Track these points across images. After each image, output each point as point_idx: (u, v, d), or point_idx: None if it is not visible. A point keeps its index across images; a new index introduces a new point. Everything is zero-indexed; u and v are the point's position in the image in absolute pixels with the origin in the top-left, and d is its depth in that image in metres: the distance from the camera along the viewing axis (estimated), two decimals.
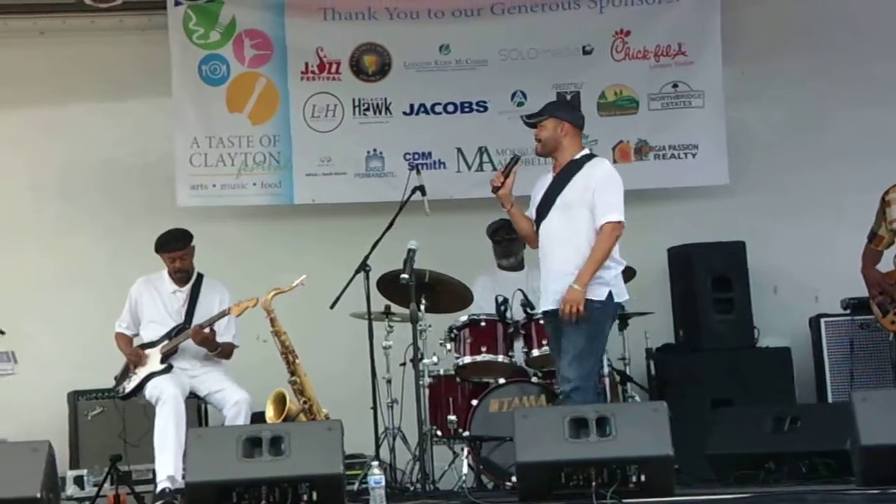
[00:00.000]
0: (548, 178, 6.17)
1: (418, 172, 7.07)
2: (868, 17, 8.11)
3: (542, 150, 6.20)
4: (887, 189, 6.85)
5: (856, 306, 7.32)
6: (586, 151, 6.18)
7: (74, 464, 7.24)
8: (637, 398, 7.12)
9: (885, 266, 6.94)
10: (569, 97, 8.13)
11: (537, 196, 6.16)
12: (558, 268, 6.00)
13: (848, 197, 7.53)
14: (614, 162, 8.07)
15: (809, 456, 6.32)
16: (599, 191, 5.98)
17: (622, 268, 6.10)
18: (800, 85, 8.16)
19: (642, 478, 5.66)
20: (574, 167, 6.06)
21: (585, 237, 5.97)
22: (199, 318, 6.85)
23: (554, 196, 6.06)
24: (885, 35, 8.07)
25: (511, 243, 7.40)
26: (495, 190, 6.14)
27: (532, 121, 6.23)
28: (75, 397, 7.48)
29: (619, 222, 5.95)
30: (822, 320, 7.62)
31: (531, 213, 6.20)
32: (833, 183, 7.96)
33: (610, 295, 5.98)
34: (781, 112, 8.21)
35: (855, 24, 8.12)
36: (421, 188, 6.94)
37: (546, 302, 6.08)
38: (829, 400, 7.48)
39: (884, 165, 6.83)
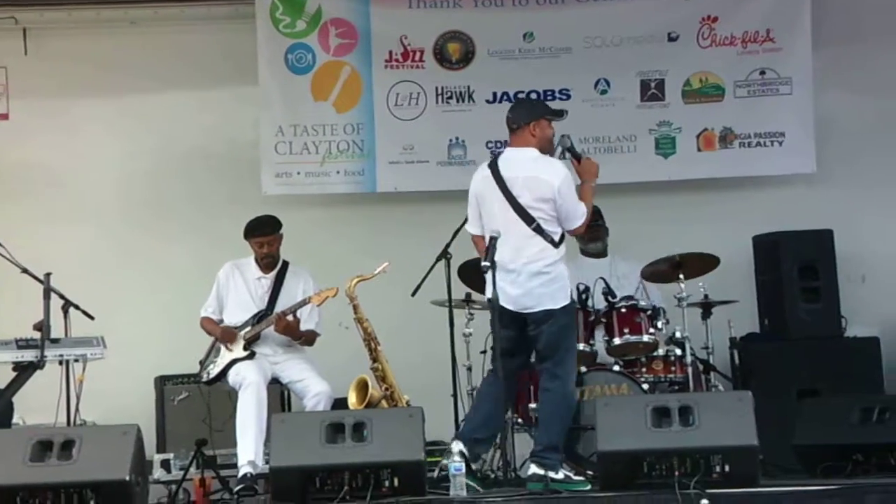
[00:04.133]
0: None
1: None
2: None
3: None
4: None
5: None
6: None
7: (161, 447, 7.35)
8: (720, 388, 7.05)
9: None
10: (653, 84, 8.07)
11: None
12: None
13: None
14: (698, 150, 8.05)
15: None
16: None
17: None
18: (890, 72, 8.01)
19: (726, 468, 5.65)
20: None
21: None
22: (282, 305, 6.92)
23: None
24: None
25: (598, 229, 7.37)
26: None
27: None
28: (162, 382, 7.58)
29: None
30: None
31: None
32: None
33: None
34: (870, 100, 8.07)
35: None
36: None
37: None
38: None
39: None
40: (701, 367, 6.99)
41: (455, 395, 6.81)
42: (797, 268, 7.64)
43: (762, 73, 8.02)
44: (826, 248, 7.65)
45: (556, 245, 6.11)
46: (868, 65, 8.03)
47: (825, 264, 7.64)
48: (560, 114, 6.37)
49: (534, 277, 6.07)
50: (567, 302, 6.14)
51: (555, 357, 6.09)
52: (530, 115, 6.28)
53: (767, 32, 8.01)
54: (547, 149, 6.26)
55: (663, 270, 7.04)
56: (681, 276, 6.76)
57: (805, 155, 7.94)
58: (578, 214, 6.16)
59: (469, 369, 6.95)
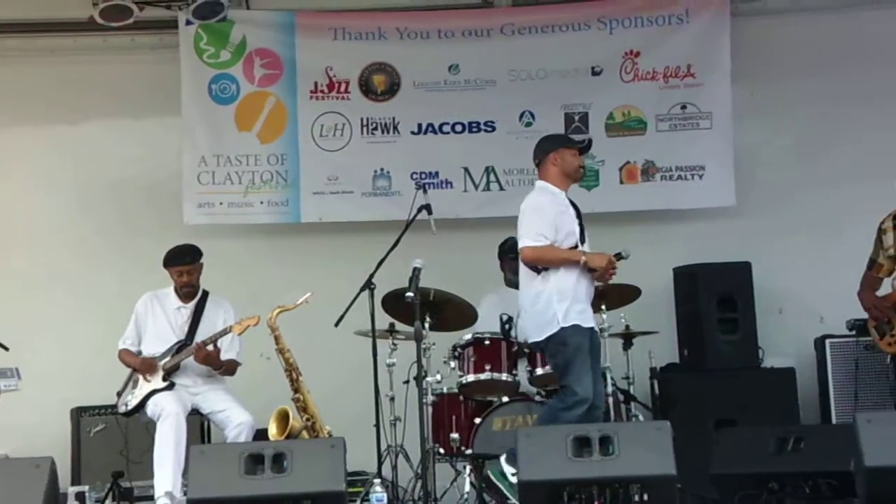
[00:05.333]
0: (565, 204, 6.30)
1: (425, 191, 7.10)
2: (876, 39, 8.11)
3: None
4: (883, 218, 6.87)
5: (861, 327, 7.28)
6: None
7: (76, 480, 7.25)
8: (641, 417, 7.12)
9: (885, 291, 6.92)
10: (577, 118, 8.16)
11: (572, 223, 6.26)
12: (592, 293, 6.28)
13: (853, 219, 7.51)
14: (621, 183, 8.13)
15: (813, 477, 6.27)
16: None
17: None
18: (807, 106, 8.16)
19: (645, 497, 5.66)
20: None
21: None
22: (202, 336, 6.88)
23: (582, 225, 6.31)
24: (891, 57, 8.05)
25: None
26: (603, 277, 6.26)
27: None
28: (78, 413, 7.49)
29: None
30: (827, 341, 7.61)
31: (560, 237, 6.23)
32: (839, 205, 7.95)
33: None
34: (789, 133, 8.21)
35: (863, 46, 8.11)
36: (427, 207, 6.96)
37: (591, 320, 6.22)
38: (833, 421, 7.44)
39: (890, 188, 6.80)
40: (622, 396, 7.05)
41: (378, 426, 6.79)
42: (716, 299, 7.73)
43: (683, 107, 8.13)
44: (744, 280, 7.75)
45: (538, 272, 6.19)
46: (785, 100, 8.17)
47: (743, 296, 7.74)
48: (581, 142, 6.45)
49: (526, 310, 6.24)
50: (554, 331, 6.14)
51: (562, 382, 6.17)
52: (549, 147, 6.38)
53: (688, 68, 8.12)
54: (574, 176, 6.36)
55: None
56: (602, 306, 6.81)
57: (724, 188, 8.04)
58: (521, 236, 6.20)
59: (392, 399, 6.94)
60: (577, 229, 6.27)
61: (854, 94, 8.10)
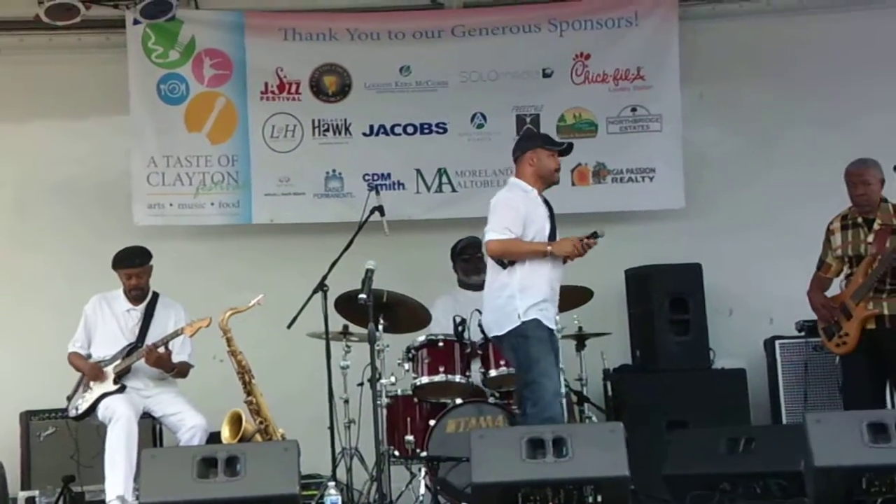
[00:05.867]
0: (536, 201, 6.29)
1: (377, 193, 7.09)
2: (822, 43, 8.20)
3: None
4: (832, 219, 6.95)
5: (810, 328, 7.36)
6: None
7: (26, 484, 7.17)
8: (594, 419, 7.15)
9: (834, 292, 7.00)
10: (528, 120, 8.18)
11: (542, 220, 6.25)
12: (558, 289, 6.25)
13: (802, 220, 7.58)
14: (573, 184, 8.17)
15: (764, 477, 6.34)
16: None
17: None
18: (756, 109, 8.24)
19: (599, 498, 5.67)
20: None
21: None
22: (152, 338, 6.82)
23: (553, 223, 6.27)
24: (837, 60, 8.16)
25: (477, 261, 7.44)
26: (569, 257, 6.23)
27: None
28: (28, 417, 7.40)
29: None
30: (777, 342, 7.68)
31: (529, 233, 6.23)
32: (788, 206, 8.02)
33: None
34: (737, 136, 8.29)
35: (809, 49, 8.21)
36: (380, 208, 6.95)
37: (553, 321, 6.20)
38: (784, 421, 7.52)
39: (838, 190, 6.89)
40: (575, 398, 7.07)
41: (332, 428, 6.77)
42: (667, 301, 7.78)
43: (633, 109, 8.18)
44: (695, 281, 7.81)
45: (504, 266, 6.19)
46: (734, 102, 8.24)
47: (694, 297, 7.80)
48: (560, 144, 6.43)
49: (488, 303, 6.25)
50: (513, 325, 6.14)
51: (521, 383, 6.16)
52: (527, 145, 6.37)
53: (638, 70, 8.17)
54: (548, 178, 6.33)
55: None
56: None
57: (675, 190, 8.10)
58: (487, 230, 6.20)
59: (346, 402, 6.91)
60: (548, 227, 6.26)
61: (801, 96, 8.20)
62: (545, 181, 6.35)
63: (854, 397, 6.77)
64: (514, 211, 6.20)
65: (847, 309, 6.73)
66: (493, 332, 6.27)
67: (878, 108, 8.09)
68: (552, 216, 6.32)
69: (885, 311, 6.65)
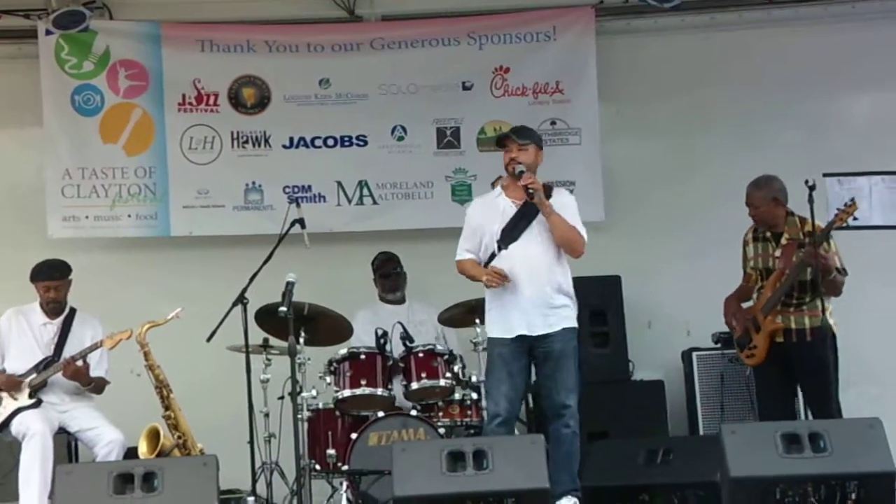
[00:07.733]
0: (493, 204, 6.28)
1: (298, 205, 7.08)
2: (738, 61, 8.32)
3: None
4: (746, 231, 7.05)
5: (726, 340, 7.45)
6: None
7: None
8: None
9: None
10: (449, 133, 8.21)
11: (492, 224, 6.25)
12: (540, 292, 6.20)
13: (718, 233, 7.67)
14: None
15: (681, 488, 6.42)
16: (575, 217, 6.29)
17: None
18: (673, 124, 8.32)
19: None
20: (546, 194, 6.26)
21: (558, 262, 6.27)
22: (69, 352, 6.73)
23: (529, 221, 6.22)
24: (750, 75, 8.29)
25: (396, 277, 7.49)
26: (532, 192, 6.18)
27: (522, 142, 6.33)
28: None
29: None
30: (694, 354, 7.76)
31: (475, 241, 6.31)
32: (704, 220, 8.10)
33: None
34: (655, 150, 8.36)
35: (726, 67, 8.32)
36: (300, 221, 6.93)
37: (520, 327, 6.20)
38: (701, 432, 7.60)
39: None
40: None
41: (252, 442, 6.71)
42: (587, 313, 7.81)
43: (553, 123, 8.24)
44: (614, 294, 7.89)
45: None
46: (651, 116, 8.33)
47: (614, 310, 7.87)
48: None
49: None
50: (491, 336, 6.26)
51: None
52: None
53: (557, 84, 8.24)
54: (510, 172, 6.32)
55: (459, 315, 7.13)
56: (477, 320, 6.84)
57: (594, 203, 8.13)
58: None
59: (266, 415, 6.87)
60: (499, 233, 6.26)
61: (718, 111, 8.31)
62: (509, 175, 6.37)
63: (766, 408, 6.88)
64: (467, 228, 6.40)
65: (756, 322, 6.83)
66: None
67: (790, 122, 8.23)
68: (519, 213, 6.27)
69: (792, 325, 6.73)
